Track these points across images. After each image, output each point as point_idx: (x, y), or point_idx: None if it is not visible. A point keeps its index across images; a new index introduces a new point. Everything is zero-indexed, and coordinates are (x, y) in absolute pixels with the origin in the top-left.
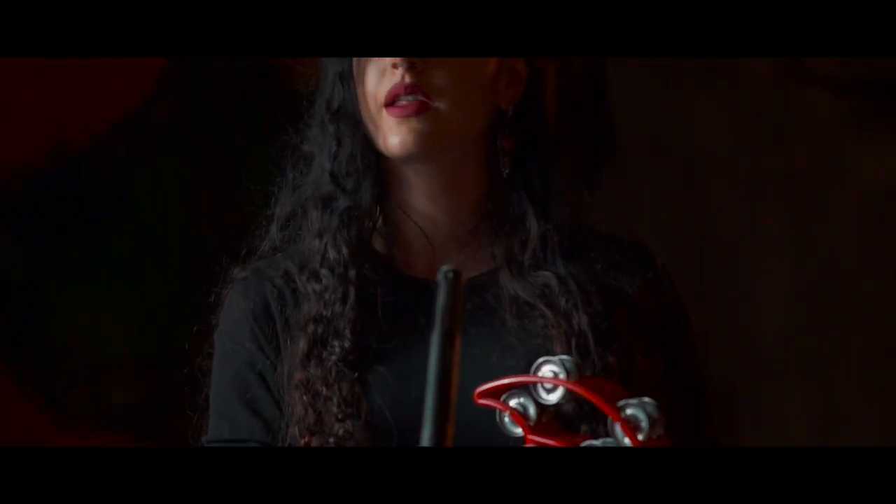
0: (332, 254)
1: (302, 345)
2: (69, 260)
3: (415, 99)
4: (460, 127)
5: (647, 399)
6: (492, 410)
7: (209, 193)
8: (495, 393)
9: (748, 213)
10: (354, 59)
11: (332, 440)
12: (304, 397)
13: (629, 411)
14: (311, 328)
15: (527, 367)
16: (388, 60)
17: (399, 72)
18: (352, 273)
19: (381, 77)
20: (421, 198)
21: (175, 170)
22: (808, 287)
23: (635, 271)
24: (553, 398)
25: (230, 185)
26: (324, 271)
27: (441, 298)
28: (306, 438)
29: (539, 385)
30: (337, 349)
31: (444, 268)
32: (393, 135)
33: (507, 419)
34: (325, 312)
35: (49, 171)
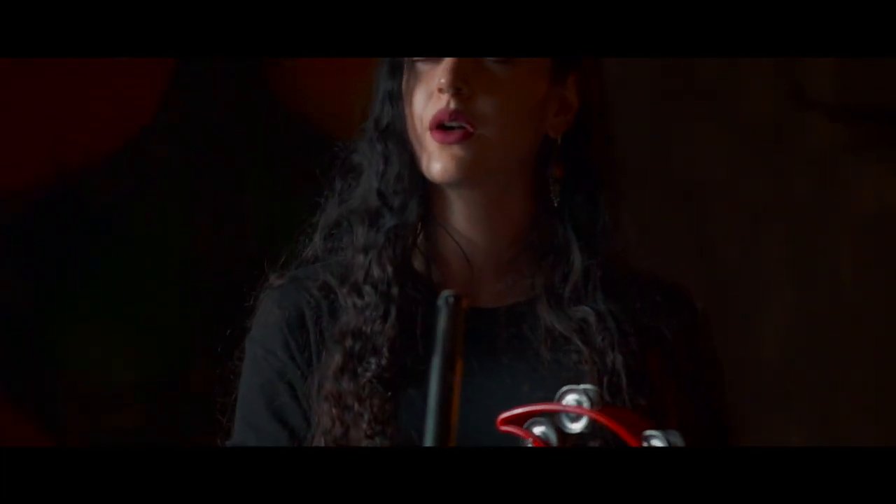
0: (376, 271)
1: (337, 357)
2: (69, 285)
3: (459, 126)
4: (504, 154)
5: (671, 430)
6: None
7: (210, 219)
8: (518, 420)
9: (748, 239)
10: (404, 79)
11: None
12: (334, 410)
13: (653, 442)
14: (348, 342)
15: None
16: (434, 84)
17: (445, 97)
18: (395, 291)
19: (427, 100)
20: (463, 221)
21: (175, 196)
22: (808, 312)
23: (674, 314)
24: (577, 427)
25: (231, 210)
26: (367, 287)
27: (442, 323)
28: None
29: (563, 414)
30: (373, 366)
31: (445, 292)
32: (435, 160)
33: (529, 447)
34: (364, 328)
35: (50, 197)
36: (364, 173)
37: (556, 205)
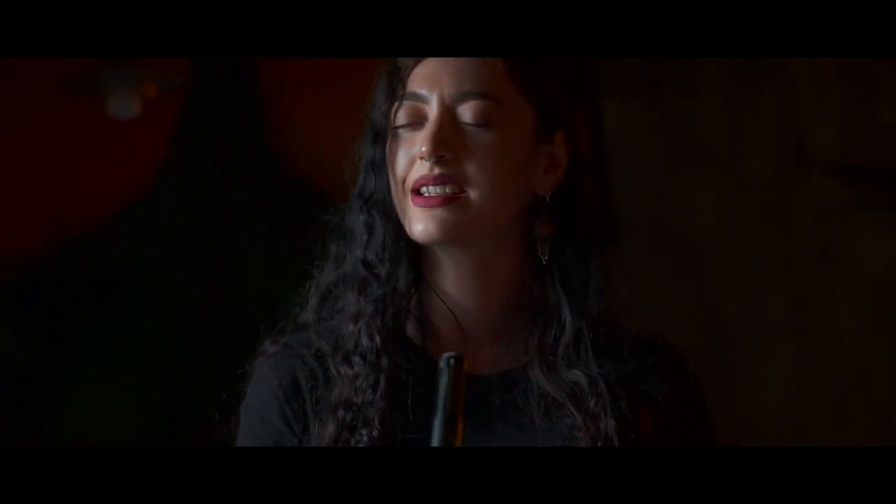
0: (365, 340)
1: (330, 429)
2: (69, 348)
3: (442, 191)
4: (491, 214)
5: None
6: None
7: (210, 281)
8: None
9: (750, 300)
10: (387, 146)
11: None
12: None
13: None
14: (340, 413)
15: None
16: (416, 150)
17: (427, 164)
18: (384, 361)
19: (409, 165)
20: (452, 282)
21: (176, 258)
22: (809, 370)
23: (666, 376)
24: None
25: (231, 272)
26: (356, 358)
27: (443, 384)
28: None
29: None
30: (365, 437)
31: (447, 354)
32: (416, 221)
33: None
34: (355, 399)
35: (51, 258)
36: (355, 240)
37: (544, 263)
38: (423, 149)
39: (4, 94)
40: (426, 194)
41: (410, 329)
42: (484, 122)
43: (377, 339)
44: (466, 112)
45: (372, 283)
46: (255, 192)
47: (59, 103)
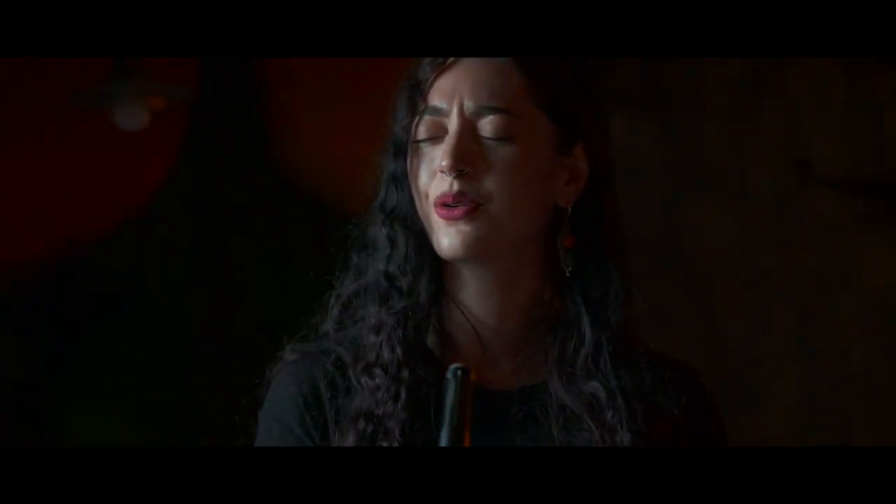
0: (386, 352)
1: (350, 439)
2: (74, 356)
3: (463, 205)
4: (512, 228)
5: None
6: None
7: (212, 292)
8: None
9: (756, 315)
10: (408, 160)
11: None
12: None
13: None
14: (360, 424)
15: None
16: (437, 164)
17: (448, 178)
18: (405, 373)
19: (430, 178)
20: (473, 296)
21: (178, 268)
22: (816, 388)
23: (682, 391)
24: None
25: (233, 284)
26: (377, 369)
27: (450, 396)
28: None
29: None
30: None
31: (454, 365)
32: (442, 236)
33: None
34: (376, 410)
35: (56, 269)
36: (377, 251)
37: (567, 275)
38: (444, 163)
39: (9, 105)
40: (449, 207)
41: (431, 341)
42: (504, 136)
43: (398, 350)
44: (486, 126)
45: (394, 295)
46: (260, 204)
47: (63, 114)
